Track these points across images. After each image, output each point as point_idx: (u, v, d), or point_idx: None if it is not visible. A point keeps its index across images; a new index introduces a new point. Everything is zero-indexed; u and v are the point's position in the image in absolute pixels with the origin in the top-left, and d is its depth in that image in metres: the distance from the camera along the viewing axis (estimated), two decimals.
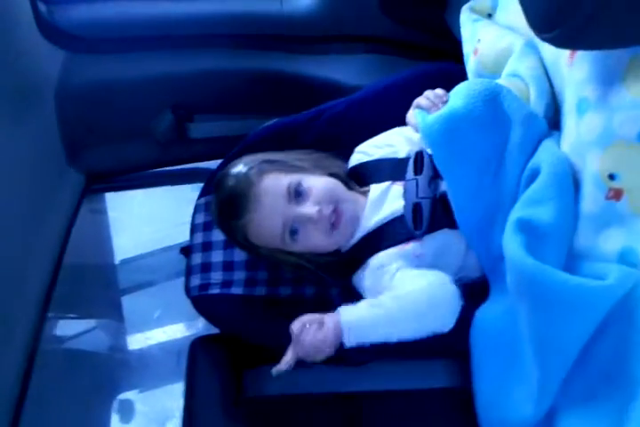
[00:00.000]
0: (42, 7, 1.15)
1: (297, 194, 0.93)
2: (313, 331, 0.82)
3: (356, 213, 0.95)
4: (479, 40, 0.97)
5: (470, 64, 1.00)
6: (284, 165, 0.98)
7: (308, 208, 0.92)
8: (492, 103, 0.83)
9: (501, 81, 0.89)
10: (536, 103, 0.83)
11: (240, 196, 0.94)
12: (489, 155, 0.83)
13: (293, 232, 0.92)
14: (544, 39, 0.55)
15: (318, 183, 0.95)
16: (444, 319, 0.82)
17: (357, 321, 0.82)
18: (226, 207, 0.96)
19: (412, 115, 0.96)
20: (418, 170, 0.93)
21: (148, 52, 1.19)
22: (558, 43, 0.55)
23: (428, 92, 0.95)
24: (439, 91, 0.94)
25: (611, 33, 0.52)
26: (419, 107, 0.94)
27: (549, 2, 0.51)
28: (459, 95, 0.87)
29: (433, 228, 0.89)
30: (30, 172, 1.12)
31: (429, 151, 0.96)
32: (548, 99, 0.83)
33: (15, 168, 1.06)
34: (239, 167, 0.98)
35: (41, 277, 1.13)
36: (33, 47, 1.11)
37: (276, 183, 0.94)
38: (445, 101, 0.90)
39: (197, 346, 1.05)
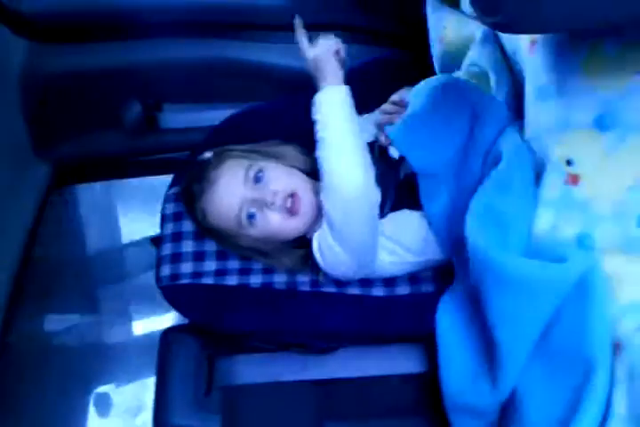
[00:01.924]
0: None
1: (256, 180, 0.93)
2: None
3: (316, 201, 0.94)
4: (444, 27, 0.98)
5: (436, 51, 1.00)
6: (248, 153, 0.99)
7: (265, 191, 0.92)
8: (452, 97, 0.85)
9: (462, 72, 0.91)
10: (497, 91, 0.85)
11: (201, 178, 0.95)
12: (453, 146, 0.85)
13: (251, 216, 0.92)
14: (488, 24, 0.55)
15: (278, 172, 0.95)
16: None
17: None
18: (189, 190, 0.97)
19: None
20: (378, 154, 0.95)
21: (113, 42, 1.18)
22: (503, 27, 0.56)
23: (385, 106, 0.99)
24: (395, 97, 0.97)
25: (558, 14, 0.51)
26: (384, 112, 0.98)
27: None
28: (419, 94, 0.89)
29: (396, 208, 0.91)
30: None
31: None
32: (509, 86, 0.84)
33: None
34: (204, 155, 1.00)
35: (8, 271, 1.12)
36: None
37: (235, 167, 0.95)
38: (405, 105, 0.92)
39: (168, 336, 1.04)
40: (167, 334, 1.05)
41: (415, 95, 0.90)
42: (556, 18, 0.52)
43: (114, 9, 1.16)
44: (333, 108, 0.89)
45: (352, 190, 0.84)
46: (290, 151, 1.02)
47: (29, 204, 1.19)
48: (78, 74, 1.18)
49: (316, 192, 0.94)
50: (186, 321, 1.04)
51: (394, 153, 0.93)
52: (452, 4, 1.00)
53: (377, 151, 0.96)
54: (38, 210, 1.20)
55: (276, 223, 0.93)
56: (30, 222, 1.18)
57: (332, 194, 0.86)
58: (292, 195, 0.92)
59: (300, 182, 0.95)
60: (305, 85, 1.13)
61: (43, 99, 1.16)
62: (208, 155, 1.00)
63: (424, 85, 0.91)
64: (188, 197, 0.99)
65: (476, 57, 0.89)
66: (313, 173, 0.98)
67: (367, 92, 0.99)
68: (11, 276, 1.11)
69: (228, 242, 0.99)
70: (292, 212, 0.92)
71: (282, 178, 0.94)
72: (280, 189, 0.92)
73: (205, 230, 1.00)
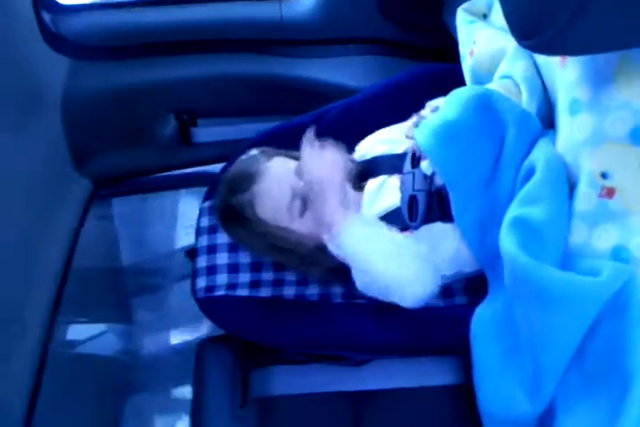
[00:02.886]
0: (45, 16, 1.16)
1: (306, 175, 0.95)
2: None
3: (357, 199, 0.97)
4: (474, 41, 0.98)
5: (467, 65, 1.01)
6: (292, 155, 1.01)
7: (318, 182, 0.93)
8: (484, 108, 0.84)
9: (493, 84, 0.90)
10: (528, 103, 0.84)
11: (249, 170, 0.96)
12: (485, 158, 0.84)
13: (303, 205, 0.93)
14: (524, 46, 0.56)
15: (326, 169, 0.96)
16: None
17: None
18: (237, 182, 0.97)
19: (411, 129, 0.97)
20: (415, 164, 0.96)
21: (150, 59, 1.21)
22: (538, 49, 0.57)
23: (423, 112, 0.98)
24: (433, 103, 0.97)
25: (589, 39, 0.53)
26: (420, 117, 0.97)
27: (529, 9, 0.52)
28: (450, 105, 0.88)
29: (428, 220, 0.91)
30: (38, 178, 1.14)
31: None
32: (540, 99, 0.84)
33: (23, 175, 1.08)
34: (248, 153, 1.02)
35: (51, 281, 1.15)
36: (37, 55, 1.13)
37: (285, 161, 0.98)
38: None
39: (204, 348, 1.06)
40: (203, 345, 1.07)
41: (447, 105, 0.89)
42: (590, 42, 0.53)
43: (150, 27, 1.19)
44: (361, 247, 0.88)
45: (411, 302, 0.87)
46: (333, 155, 1.03)
47: (70, 216, 1.22)
48: (116, 91, 1.21)
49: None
50: (221, 332, 1.06)
51: (426, 170, 0.93)
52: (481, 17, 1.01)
53: (413, 161, 0.97)
54: (78, 222, 1.23)
55: (323, 210, 0.92)
56: (72, 235, 1.21)
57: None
58: None
59: (344, 180, 0.96)
60: (335, 97, 1.15)
61: (83, 115, 1.19)
62: (254, 152, 1.01)
63: (455, 95, 0.89)
64: (234, 188, 0.97)
65: (509, 69, 0.88)
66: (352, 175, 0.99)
67: (405, 105, 1.01)
68: (53, 286, 1.14)
69: (266, 243, 0.97)
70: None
71: (331, 176, 0.95)
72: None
73: (244, 233, 0.99)
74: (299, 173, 0.96)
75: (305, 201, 0.94)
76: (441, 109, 0.88)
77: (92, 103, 1.19)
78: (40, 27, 1.13)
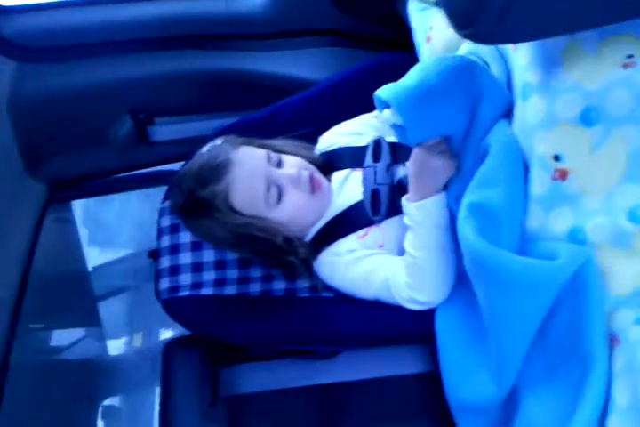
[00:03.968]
0: None
1: (278, 164, 0.95)
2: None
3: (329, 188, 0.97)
4: (431, 27, 0.97)
5: (424, 52, 1.00)
6: (258, 143, 0.99)
7: (289, 169, 0.94)
8: (465, 79, 0.80)
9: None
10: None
11: (219, 160, 0.93)
12: (456, 128, 0.81)
13: (279, 193, 0.93)
14: (463, 36, 0.56)
15: (295, 159, 0.97)
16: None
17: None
18: (205, 173, 0.93)
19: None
20: (376, 157, 0.96)
21: (99, 58, 1.18)
22: (477, 38, 0.56)
23: None
24: None
25: (525, 26, 0.53)
26: None
27: None
28: (430, 69, 0.81)
29: (391, 213, 0.91)
30: None
31: (387, 139, 0.98)
32: (506, 78, 0.82)
33: None
34: (211, 143, 0.99)
35: (9, 288, 1.13)
36: None
37: (255, 151, 0.96)
38: None
39: (171, 348, 1.05)
40: (170, 346, 1.06)
41: (426, 69, 0.82)
42: (523, 31, 0.53)
43: (95, 26, 1.16)
44: (428, 223, 0.84)
45: (426, 302, 0.86)
46: (296, 145, 1.03)
47: (26, 222, 1.20)
48: (66, 92, 1.18)
49: None
50: (187, 333, 1.05)
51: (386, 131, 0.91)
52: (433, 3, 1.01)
53: (378, 150, 0.96)
54: (35, 227, 1.20)
55: (300, 201, 0.93)
56: (28, 240, 1.18)
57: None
58: (312, 177, 0.94)
59: (314, 168, 0.97)
60: (292, 90, 1.15)
61: (33, 119, 1.16)
62: (218, 142, 0.98)
63: (438, 62, 0.83)
64: (205, 180, 0.93)
65: (475, 47, 0.86)
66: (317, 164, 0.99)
67: (363, 96, 1.00)
68: (12, 292, 1.11)
69: (235, 235, 0.95)
70: (314, 188, 0.94)
71: (300, 163, 0.96)
72: (299, 168, 0.95)
73: (212, 226, 0.96)
74: (270, 160, 0.95)
75: (280, 190, 0.93)
76: (418, 72, 0.82)
77: (41, 106, 1.16)
78: None
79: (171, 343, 1.06)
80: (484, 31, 0.52)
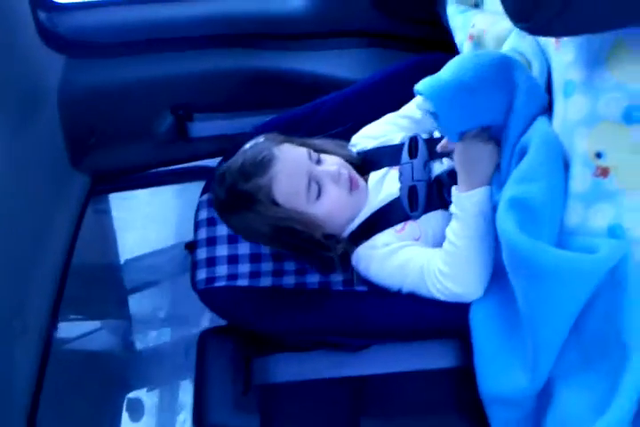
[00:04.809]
0: (42, 14, 1.17)
1: (318, 161, 0.98)
2: None
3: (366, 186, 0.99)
4: (473, 25, 0.98)
5: (465, 50, 1.01)
6: (298, 141, 1.02)
7: (329, 166, 0.97)
8: (502, 75, 0.81)
9: None
10: (538, 79, 0.83)
11: (263, 155, 0.96)
12: (494, 118, 0.82)
13: (317, 191, 0.95)
14: (521, 28, 0.57)
15: (334, 158, 1.00)
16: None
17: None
18: (249, 167, 0.96)
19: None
20: (412, 154, 0.98)
21: (145, 55, 1.22)
22: (535, 31, 0.58)
23: None
24: None
25: (586, 19, 0.54)
26: None
27: None
28: (467, 65, 0.83)
29: (428, 209, 0.93)
30: (36, 175, 1.14)
31: (423, 136, 1.00)
32: (546, 76, 0.83)
33: (21, 173, 1.08)
34: (254, 140, 1.02)
35: (52, 277, 1.16)
36: (34, 53, 1.13)
37: (296, 147, 0.99)
38: None
39: (205, 338, 1.07)
40: (204, 336, 1.08)
41: (463, 64, 0.83)
42: (587, 22, 0.54)
43: (144, 24, 1.20)
44: (477, 214, 0.85)
45: (461, 294, 0.87)
46: (334, 144, 1.06)
47: (68, 213, 1.23)
48: (112, 87, 1.22)
49: None
50: (221, 324, 1.07)
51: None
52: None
53: (414, 147, 0.98)
54: (77, 219, 1.23)
55: (339, 198, 0.96)
56: (70, 231, 1.21)
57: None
58: (350, 176, 0.97)
59: (351, 167, 1.00)
60: (330, 90, 1.17)
61: (79, 112, 1.20)
62: (260, 139, 1.01)
63: (476, 58, 0.85)
64: (248, 173, 0.96)
65: (518, 44, 0.87)
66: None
67: (400, 96, 1.02)
68: (54, 282, 1.15)
69: (275, 228, 0.97)
70: (353, 186, 0.96)
71: (339, 162, 0.99)
72: (339, 165, 0.98)
73: (253, 219, 0.97)
74: (311, 158, 0.97)
75: (320, 186, 0.96)
76: (455, 66, 0.83)
77: (88, 100, 1.20)
78: (36, 25, 1.14)
79: (205, 333, 1.08)
80: (544, 24, 0.53)
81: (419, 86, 0.84)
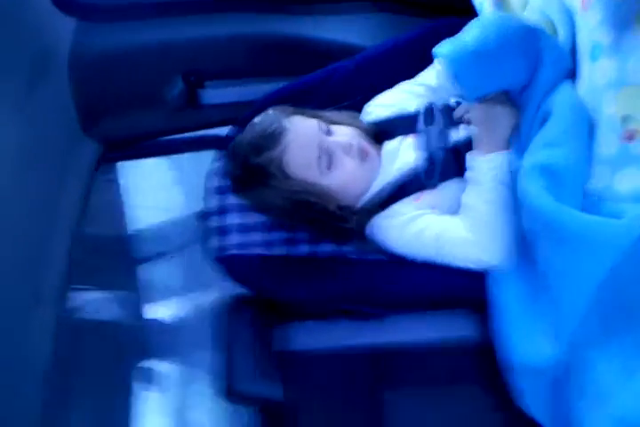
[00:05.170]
0: None
1: (328, 132, 0.97)
2: None
3: (378, 156, 0.98)
4: None
5: (486, 9, 0.97)
6: (309, 113, 1.01)
7: (340, 137, 0.96)
8: (525, 42, 0.81)
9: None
10: (564, 43, 0.82)
11: (273, 128, 0.96)
12: (514, 83, 0.83)
13: (328, 162, 0.95)
14: None
15: (345, 129, 0.99)
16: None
17: None
18: (259, 140, 0.96)
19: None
20: (428, 122, 0.96)
21: (157, 19, 1.19)
22: None
23: None
24: None
25: None
26: None
27: None
28: (490, 31, 0.82)
29: (446, 177, 0.92)
30: (46, 141, 1.13)
31: (438, 102, 0.99)
32: (572, 40, 0.81)
33: (31, 137, 1.07)
34: (264, 113, 1.01)
35: (63, 249, 1.15)
36: (44, 16, 1.11)
37: (306, 119, 0.98)
38: None
39: (224, 307, 1.07)
40: (223, 305, 1.07)
41: (486, 29, 0.83)
42: None
43: None
44: (496, 178, 0.85)
45: (492, 262, 0.85)
46: (346, 115, 1.04)
47: (80, 179, 1.21)
48: (123, 52, 1.19)
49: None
50: (232, 294, 1.06)
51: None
52: None
53: (429, 114, 0.97)
54: (87, 186, 1.22)
55: (351, 168, 0.95)
56: (81, 199, 1.20)
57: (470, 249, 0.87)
58: (361, 145, 0.97)
59: (362, 137, 0.99)
60: (342, 56, 1.15)
61: (90, 77, 1.18)
62: (270, 111, 1.01)
63: (499, 24, 0.84)
64: (260, 146, 0.96)
65: (544, 4, 0.85)
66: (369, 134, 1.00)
67: (415, 62, 1.00)
68: (65, 253, 1.14)
69: (289, 201, 0.97)
70: (364, 157, 0.96)
71: (350, 132, 0.98)
72: (350, 136, 0.97)
73: (267, 192, 0.97)
74: (321, 129, 0.96)
75: (331, 157, 0.95)
76: (478, 31, 0.83)
77: (99, 65, 1.18)
78: None
79: (223, 302, 1.08)
80: None
81: (439, 49, 0.83)
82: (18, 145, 1.02)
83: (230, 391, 0.92)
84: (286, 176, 0.95)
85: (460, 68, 0.81)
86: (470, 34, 0.82)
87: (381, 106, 1.06)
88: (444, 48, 0.83)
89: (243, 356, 0.97)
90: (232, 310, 1.04)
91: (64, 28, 1.14)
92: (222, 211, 1.08)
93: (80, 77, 1.16)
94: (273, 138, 0.95)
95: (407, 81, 1.06)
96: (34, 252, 1.07)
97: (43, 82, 1.10)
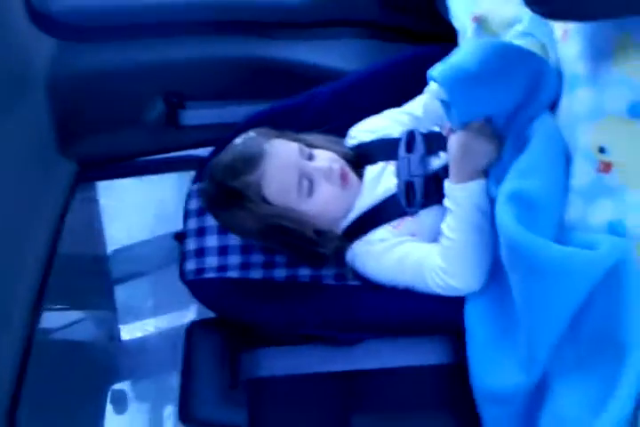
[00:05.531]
0: None
1: (309, 157, 0.96)
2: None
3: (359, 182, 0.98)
4: (479, 6, 0.94)
5: (469, 33, 0.97)
6: (291, 136, 1.00)
7: (321, 162, 0.95)
8: (514, 61, 0.81)
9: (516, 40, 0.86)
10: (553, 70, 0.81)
11: (253, 151, 0.95)
12: (503, 109, 0.82)
13: (310, 185, 0.94)
14: (538, 13, 0.56)
15: (327, 153, 0.98)
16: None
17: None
18: (238, 163, 0.95)
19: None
20: (410, 149, 0.96)
21: (138, 40, 1.19)
22: (552, 15, 0.57)
23: None
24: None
25: (602, 3, 0.53)
26: None
27: None
28: (489, 53, 0.82)
29: (426, 204, 0.92)
30: (22, 161, 1.11)
31: (421, 130, 0.99)
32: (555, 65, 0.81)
33: (6, 157, 1.06)
34: (245, 135, 1.00)
35: (37, 269, 1.13)
36: (23, 35, 1.10)
37: (287, 143, 0.97)
38: None
39: (193, 331, 1.05)
40: (191, 328, 1.06)
41: (481, 49, 0.83)
42: (605, 6, 0.53)
43: (137, 8, 1.17)
44: (472, 206, 0.84)
45: (460, 289, 0.86)
46: (327, 140, 1.04)
47: (54, 201, 1.20)
48: (103, 72, 1.19)
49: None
50: (208, 316, 1.05)
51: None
52: None
53: (411, 141, 0.97)
54: (64, 206, 1.21)
55: (331, 194, 0.94)
56: (56, 219, 1.19)
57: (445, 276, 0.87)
58: (342, 171, 0.96)
59: (344, 163, 0.98)
60: (325, 80, 1.15)
61: (69, 97, 1.17)
62: (251, 134, 1.00)
63: (482, 43, 0.85)
64: (238, 170, 0.94)
65: (531, 27, 0.85)
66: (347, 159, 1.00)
67: (396, 88, 1.00)
68: (39, 273, 1.12)
69: (264, 226, 0.96)
70: (344, 181, 0.95)
71: (331, 157, 0.97)
72: (331, 161, 0.96)
73: (242, 216, 0.96)
74: (302, 153, 0.96)
75: (312, 182, 0.94)
76: (471, 54, 0.82)
77: (78, 85, 1.17)
78: (27, 6, 1.10)
79: (193, 325, 1.07)
80: (561, 8, 0.52)
81: (433, 72, 0.83)
82: None
83: (186, 417, 0.90)
84: (264, 201, 0.94)
85: (457, 90, 0.81)
86: (463, 57, 0.82)
87: (365, 131, 1.06)
88: (440, 69, 0.83)
89: (206, 381, 0.96)
90: (200, 334, 1.03)
91: (43, 47, 1.14)
92: (201, 233, 1.07)
93: (59, 97, 1.16)
94: (252, 162, 0.94)
95: (394, 109, 1.06)
96: (4, 271, 1.05)
97: (20, 101, 1.09)
